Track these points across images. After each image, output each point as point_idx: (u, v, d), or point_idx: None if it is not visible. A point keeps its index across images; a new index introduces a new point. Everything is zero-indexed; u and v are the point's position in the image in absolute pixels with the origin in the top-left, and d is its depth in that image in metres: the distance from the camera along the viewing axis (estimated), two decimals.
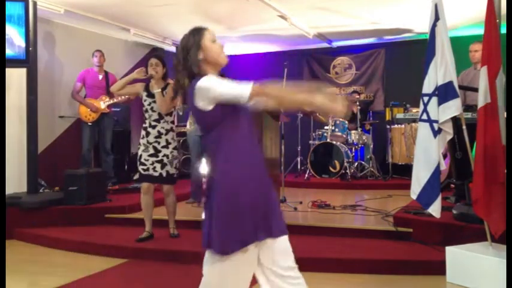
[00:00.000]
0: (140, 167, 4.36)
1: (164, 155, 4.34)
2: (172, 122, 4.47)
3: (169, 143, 4.38)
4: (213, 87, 1.95)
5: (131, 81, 4.41)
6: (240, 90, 1.91)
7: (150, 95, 4.36)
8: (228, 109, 1.96)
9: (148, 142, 4.35)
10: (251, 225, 1.93)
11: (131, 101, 6.63)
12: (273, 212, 2.02)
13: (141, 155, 4.36)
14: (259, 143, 4.12)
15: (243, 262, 1.95)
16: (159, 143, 4.35)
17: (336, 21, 7.30)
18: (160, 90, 4.27)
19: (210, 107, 1.96)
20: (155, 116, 4.36)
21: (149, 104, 4.38)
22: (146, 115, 4.41)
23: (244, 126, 2.03)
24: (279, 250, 2.00)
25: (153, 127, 4.36)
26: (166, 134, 4.38)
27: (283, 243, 2.02)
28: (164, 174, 4.33)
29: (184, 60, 2.08)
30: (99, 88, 6.47)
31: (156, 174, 4.32)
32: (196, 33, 2.11)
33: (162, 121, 4.38)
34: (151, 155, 4.33)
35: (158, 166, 4.32)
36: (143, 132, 4.41)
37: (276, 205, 2.11)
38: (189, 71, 2.07)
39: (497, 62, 3.32)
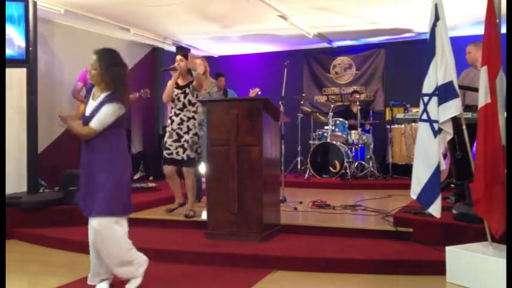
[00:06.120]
0: (165, 152, 4.92)
1: (185, 141, 4.84)
2: (195, 112, 4.96)
3: (190, 129, 4.87)
4: None
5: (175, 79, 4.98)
6: None
7: (178, 87, 4.96)
8: None
9: (172, 129, 4.89)
10: None
11: (131, 101, 6.62)
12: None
13: (166, 141, 4.92)
14: (259, 143, 4.15)
15: None
16: (181, 129, 4.85)
17: (336, 21, 7.30)
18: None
19: None
20: (180, 105, 4.90)
21: (176, 95, 4.94)
22: (172, 104, 4.96)
23: None
24: None
25: (177, 115, 4.91)
26: (187, 121, 4.87)
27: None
28: (185, 157, 4.84)
29: None
30: None
31: (179, 158, 4.84)
32: None
33: (185, 110, 4.89)
34: (175, 141, 4.86)
35: (181, 151, 4.83)
36: (168, 121, 5.01)
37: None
38: None
39: (497, 62, 3.31)
